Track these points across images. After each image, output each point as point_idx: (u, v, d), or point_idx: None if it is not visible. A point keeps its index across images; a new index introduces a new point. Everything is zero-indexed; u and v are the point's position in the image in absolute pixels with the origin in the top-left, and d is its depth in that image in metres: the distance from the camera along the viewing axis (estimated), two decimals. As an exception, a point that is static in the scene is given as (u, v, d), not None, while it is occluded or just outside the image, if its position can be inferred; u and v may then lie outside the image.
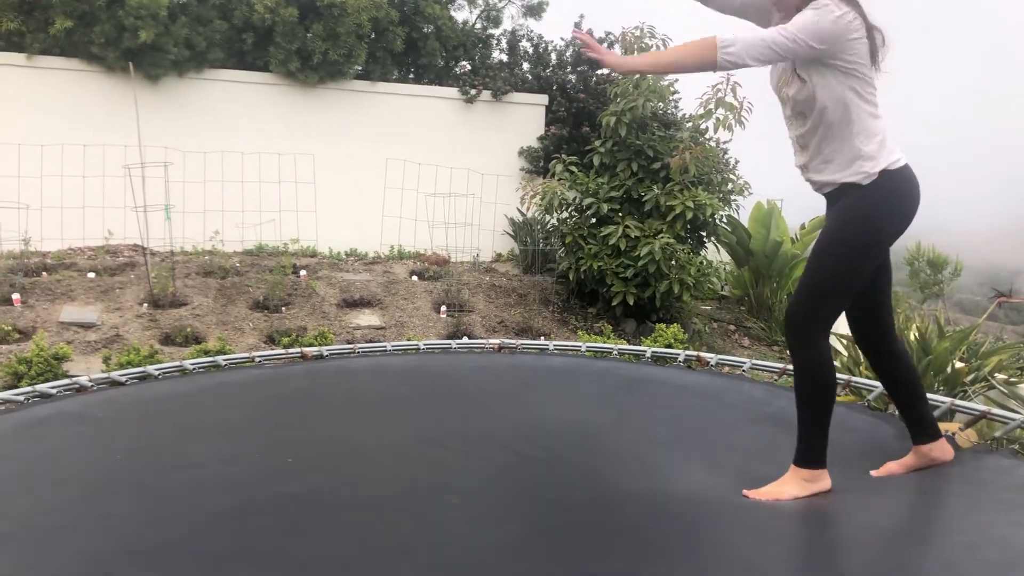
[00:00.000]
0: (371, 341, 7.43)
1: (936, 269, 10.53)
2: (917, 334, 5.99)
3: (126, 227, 8.72)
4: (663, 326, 7.79)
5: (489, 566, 2.10)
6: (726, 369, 4.33)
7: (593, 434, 3.23)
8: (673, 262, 8.39)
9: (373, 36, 10.84)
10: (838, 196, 2.64)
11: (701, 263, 9.04)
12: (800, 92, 2.59)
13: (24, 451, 2.81)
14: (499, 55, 12.46)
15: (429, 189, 10.09)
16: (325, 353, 4.31)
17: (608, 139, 8.91)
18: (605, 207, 8.70)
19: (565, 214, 9.29)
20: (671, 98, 9.38)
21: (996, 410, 3.18)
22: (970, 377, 5.77)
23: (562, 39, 12.26)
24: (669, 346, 6.88)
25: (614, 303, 8.66)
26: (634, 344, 7.03)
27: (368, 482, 2.69)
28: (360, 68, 10.85)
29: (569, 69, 12.01)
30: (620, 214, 8.71)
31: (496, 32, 12.44)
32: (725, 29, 2.45)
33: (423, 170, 10.17)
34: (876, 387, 3.62)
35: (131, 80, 8.84)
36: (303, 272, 9.07)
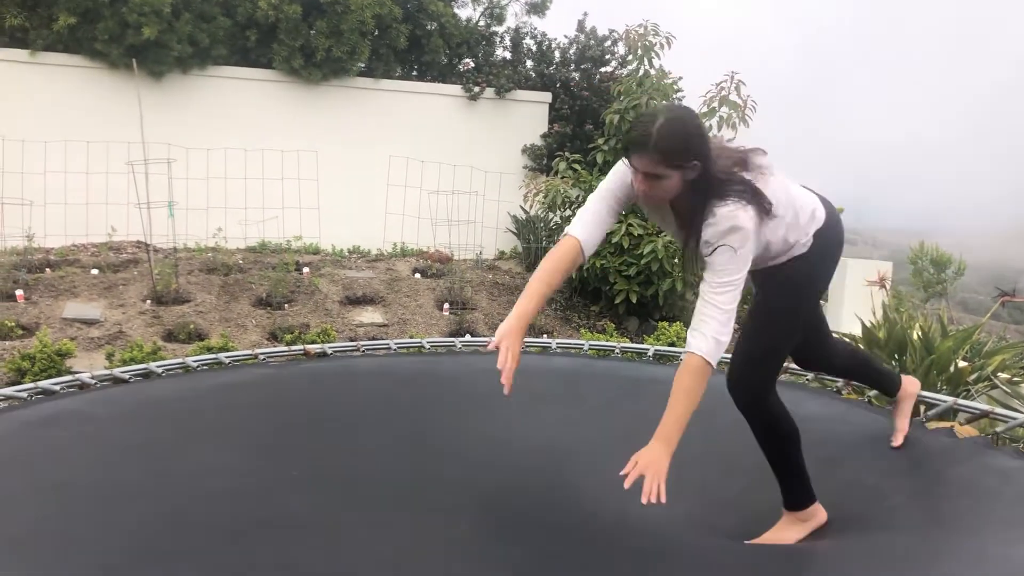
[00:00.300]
0: (374, 338, 7.44)
1: (939, 268, 10.50)
2: (920, 333, 5.97)
3: (129, 224, 8.72)
4: (666, 324, 7.79)
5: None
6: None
7: (596, 447, 3.20)
8: (676, 260, 8.38)
9: (376, 33, 10.83)
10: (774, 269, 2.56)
11: (704, 261, 9.04)
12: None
13: (26, 452, 2.80)
14: (502, 53, 12.46)
15: (432, 186, 10.09)
16: (329, 351, 4.30)
17: (611, 137, 8.90)
18: (608, 205, 8.68)
19: (568, 212, 9.29)
20: (675, 96, 9.37)
21: (999, 409, 3.18)
22: (973, 376, 5.76)
23: (565, 37, 12.26)
24: (672, 344, 6.87)
25: (617, 301, 8.66)
26: (637, 342, 7.02)
27: (369, 493, 2.69)
28: (363, 65, 10.85)
29: (572, 67, 12.00)
30: (623, 212, 8.70)
31: (500, 30, 12.43)
32: (698, 337, 2.25)
33: (426, 167, 10.17)
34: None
35: (134, 77, 8.84)
36: (306, 269, 9.07)
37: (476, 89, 11.20)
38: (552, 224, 9.98)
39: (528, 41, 12.40)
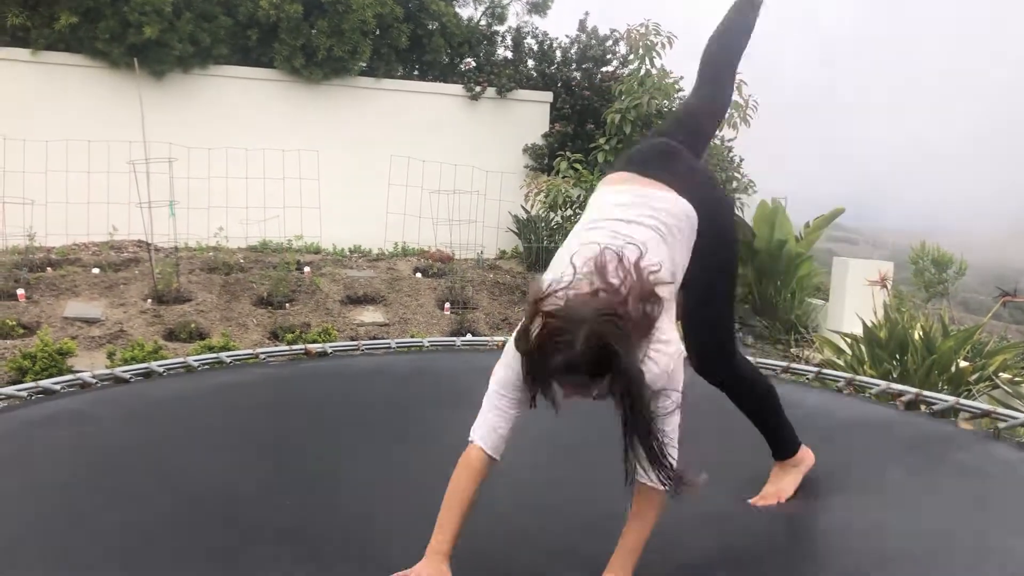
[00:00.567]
0: (375, 338, 7.44)
1: (941, 268, 10.49)
2: (921, 333, 5.97)
3: (131, 223, 8.73)
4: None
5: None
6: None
7: (597, 441, 3.21)
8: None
9: (378, 33, 10.84)
10: None
11: (705, 261, 9.04)
12: None
13: (26, 452, 2.79)
14: (504, 52, 12.46)
15: (433, 186, 10.09)
16: (329, 350, 4.30)
17: (613, 136, 8.91)
18: (609, 205, 8.68)
19: (569, 211, 9.29)
20: (676, 96, 9.38)
21: (1001, 409, 3.18)
22: (974, 376, 5.76)
23: (567, 36, 12.27)
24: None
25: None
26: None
27: (369, 498, 2.68)
28: (364, 65, 10.85)
29: (574, 66, 12.01)
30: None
31: (501, 29, 12.44)
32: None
33: (427, 167, 10.17)
34: (877, 384, 3.64)
35: (136, 76, 8.85)
36: (307, 269, 9.08)
37: (477, 88, 11.20)
38: (553, 223, 9.98)
39: (529, 40, 12.41)
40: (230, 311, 7.92)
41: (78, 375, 3.62)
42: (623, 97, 8.88)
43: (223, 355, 4.06)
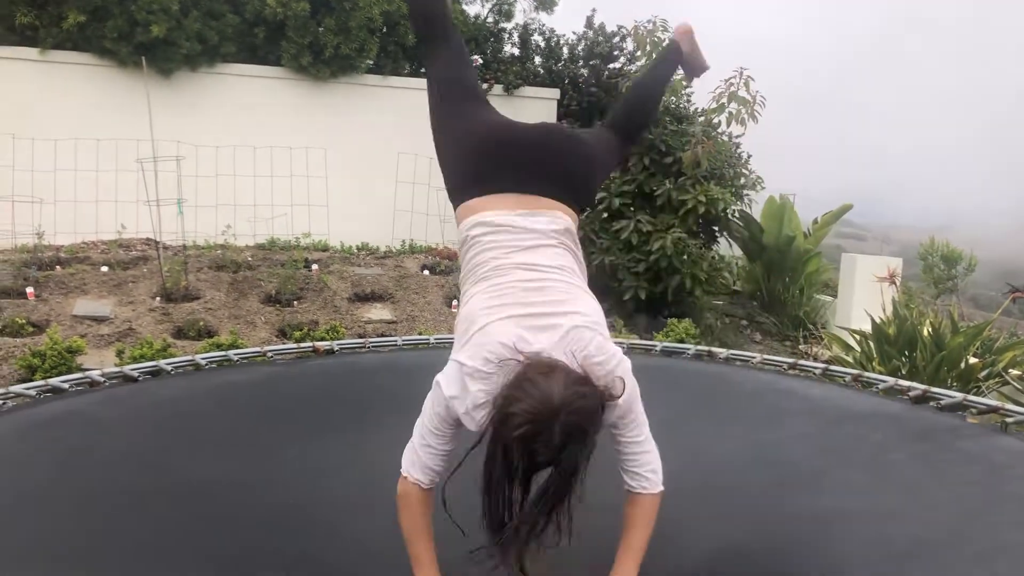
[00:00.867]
0: (382, 335, 7.44)
1: (950, 264, 10.46)
2: (931, 329, 5.96)
3: (139, 221, 8.75)
4: (675, 321, 7.78)
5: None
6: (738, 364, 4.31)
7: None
8: (685, 257, 8.37)
9: (385, 30, 10.84)
10: None
11: (713, 258, 9.03)
12: None
13: (33, 455, 2.80)
14: (511, 49, 12.45)
15: (441, 183, 10.06)
16: (337, 348, 4.31)
17: (620, 133, 8.89)
18: (617, 202, 8.68)
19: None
20: (683, 92, 9.36)
21: (1009, 405, 3.17)
22: (984, 373, 5.74)
23: (574, 33, 12.25)
24: (681, 341, 6.86)
25: (626, 298, 8.65)
26: (646, 339, 7.02)
27: (376, 494, 2.69)
28: (372, 62, 10.85)
29: (581, 63, 11.99)
30: (632, 209, 8.70)
31: (508, 26, 12.43)
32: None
33: (434, 164, 10.12)
34: (885, 380, 3.65)
35: (143, 75, 8.86)
36: (315, 266, 9.09)
37: (485, 86, 11.18)
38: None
39: (536, 37, 12.39)
40: (238, 309, 7.94)
41: (87, 373, 3.63)
42: (630, 94, 8.87)
43: (231, 353, 4.07)
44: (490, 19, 12.30)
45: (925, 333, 5.95)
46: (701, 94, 9.82)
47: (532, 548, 1.90)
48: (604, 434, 1.97)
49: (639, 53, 9.32)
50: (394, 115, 10.77)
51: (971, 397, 3.22)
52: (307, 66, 10.24)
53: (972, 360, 5.81)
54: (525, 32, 12.39)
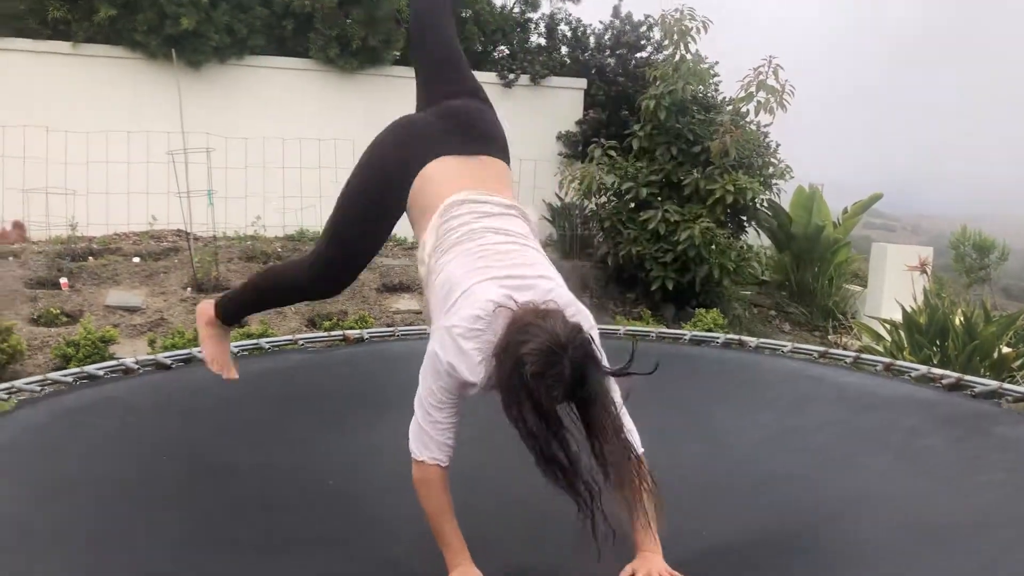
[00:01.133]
0: (410, 325, 7.48)
1: (982, 253, 10.35)
2: (962, 319, 5.90)
3: (170, 213, 8.83)
4: (703, 311, 7.75)
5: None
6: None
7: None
8: (713, 246, 8.33)
9: (411, 21, 10.84)
10: None
11: (741, 248, 8.97)
12: None
13: (70, 441, 2.84)
14: (537, 39, 12.41)
15: (467, 174, 10.09)
16: (366, 336, 4.35)
17: (647, 123, 8.85)
18: (644, 191, 8.65)
19: (604, 199, 9.26)
20: (711, 81, 9.29)
21: (1045, 394, 3.14)
22: (1017, 362, 5.68)
23: (600, 22, 12.20)
24: (710, 331, 6.83)
25: (653, 288, 8.62)
26: (674, 329, 7.00)
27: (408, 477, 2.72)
28: (398, 54, 10.87)
29: (608, 52, 11.94)
30: (659, 198, 8.66)
31: (534, 16, 12.40)
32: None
33: (461, 155, 10.17)
34: (918, 369, 3.62)
35: (173, 67, 8.94)
36: (343, 257, 9.12)
37: (511, 76, 11.18)
38: (588, 211, 9.95)
39: (563, 27, 12.35)
40: (268, 299, 7.99)
41: (121, 360, 3.68)
42: (658, 83, 8.80)
43: (262, 341, 4.11)
44: (516, 9, 12.27)
45: (957, 322, 5.89)
46: (730, 83, 9.74)
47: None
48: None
49: (666, 42, 9.26)
50: (421, 106, 10.78)
51: (1006, 385, 3.20)
52: (335, 58, 10.28)
53: (1005, 350, 5.75)
54: (552, 22, 12.35)
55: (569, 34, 12.30)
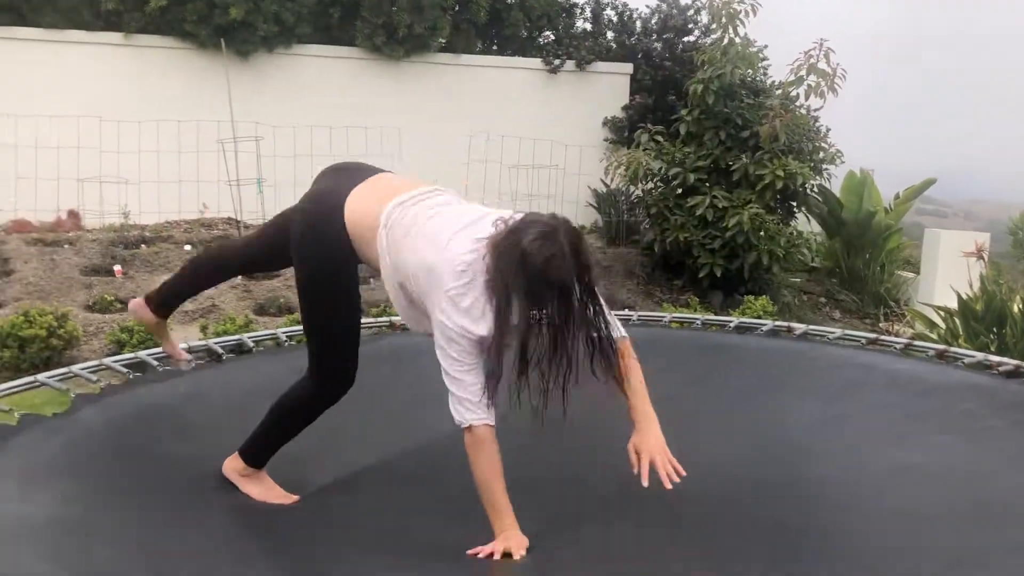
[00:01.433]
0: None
1: (1041, 239, 10.08)
2: (1021, 305, 5.76)
3: (220, 201, 8.96)
4: (751, 298, 7.67)
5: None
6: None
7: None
8: (762, 233, 8.22)
9: (457, 8, 10.85)
10: None
11: (791, 234, 8.84)
12: None
13: (124, 424, 2.88)
14: (583, 24, 12.33)
15: (512, 161, 10.09)
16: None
17: (695, 108, 8.75)
18: (692, 177, 8.56)
19: (650, 185, 9.19)
20: (760, 65, 9.16)
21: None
22: (1078, 350, 5.53)
23: (647, 7, 12.08)
24: (758, 318, 6.76)
25: (701, 275, 8.54)
26: (721, 316, 6.94)
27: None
28: (444, 41, 10.87)
29: (654, 37, 11.82)
30: (707, 184, 8.57)
31: (580, 1, 12.30)
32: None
33: (506, 142, 10.17)
34: (973, 356, 3.55)
35: (223, 56, 9.05)
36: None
37: (556, 62, 11.13)
38: (634, 197, 9.89)
39: (609, 12, 12.24)
40: (315, 286, 8.07)
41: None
42: (706, 67, 8.69)
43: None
44: (562, -6, 12.19)
45: (1015, 309, 5.75)
46: (779, 66, 9.57)
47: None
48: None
49: (714, 26, 9.13)
50: (466, 93, 10.79)
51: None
52: (381, 46, 10.31)
53: (1065, 336, 5.61)
54: (597, 7, 12.24)
55: (615, 19, 12.20)
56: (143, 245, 8.63)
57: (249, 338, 3.91)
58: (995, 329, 5.79)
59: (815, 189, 9.39)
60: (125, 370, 3.41)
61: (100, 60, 9.67)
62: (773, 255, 8.30)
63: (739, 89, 8.72)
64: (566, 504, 2.46)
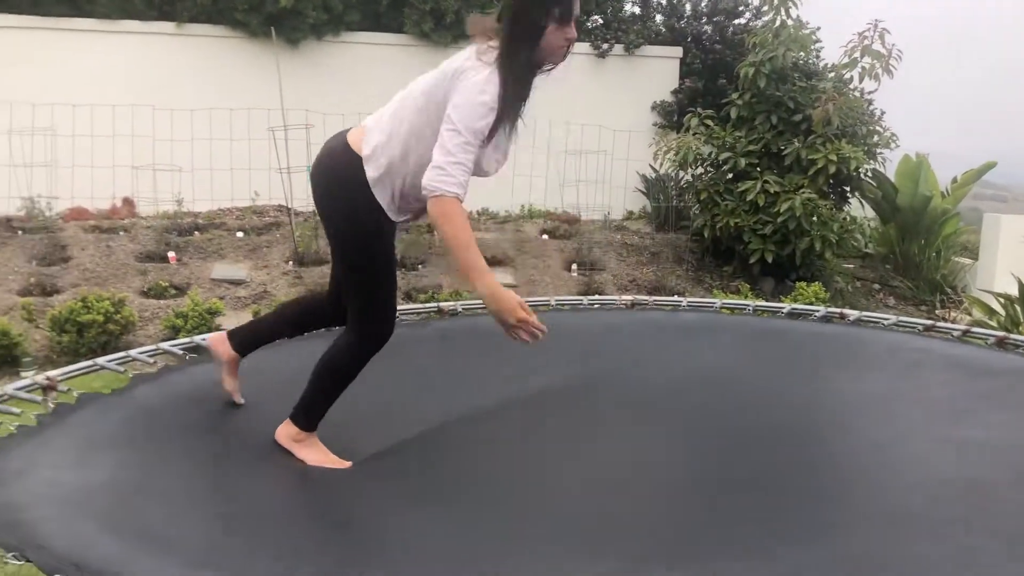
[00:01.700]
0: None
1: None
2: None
3: (271, 188, 9.05)
4: (803, 285, 7.57)
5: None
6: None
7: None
8: (815, 218, 8.09)
9: (505, -7, 10.80)
10: None
11: (844, 219, 8.69)
12: None
13: (181, 405, 2.93)
14: (631, 8, 12.21)
15: (560, 147, 10.04)
16: (460, 309, 4.38)
17: (746, 91, 8.63)
18: (743, 162, 8.45)
19: (700, 169, 9.09)
20: (813, 47, 9.00)
21: None
22: None
23: (697, -11, 11.91)
24: (810, 304, 6.66)
25: (751, 261, 8.44)
26: (772, 303, 6.85)
27: (502, 442, 2.75)
28: (492, 26, 10.85)
29: (704, 20, 11.68)
30: (758, 169, 8.45)
31: (629, -16, 12.20)
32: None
33: (553, 127, 10.12)
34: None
35: (273, 45, 9.13)
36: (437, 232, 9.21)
37: (604, 46, 11.05)
38: (683, 182, 9.79)
39: (658, -5, 12.12)
40: (364, 272, 8.14)
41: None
42: (757, 50, 8.56)
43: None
44: (611, -22, 12.09)
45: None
46: (833, 49, 9.40)
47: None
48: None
49: (766, 8, 8.99)
50: (514, 79, 10.75)
51: None
52: (429, 33, 10.32)
53: None
54: (646, -10, 12.13)
55: (664, 2, 12.07)
56: (196, 232, 8.76)
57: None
58: (1057, 316, 5.65)
59: (869, 174, 9.22)
60: (181, 352, 3.47)
61: (153, 49, 9.83)
62: (826, 241, 8.17)
63: (791, 72, 8.58)
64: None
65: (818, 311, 4.26)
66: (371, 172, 2.57)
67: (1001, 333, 3.71)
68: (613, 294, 7.93)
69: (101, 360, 3.23)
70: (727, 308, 4.53)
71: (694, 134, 8.80)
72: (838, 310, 4.25)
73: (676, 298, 5.69)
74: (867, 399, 3.04)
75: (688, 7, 11.86)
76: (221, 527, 2.12)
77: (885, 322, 3.99)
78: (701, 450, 2.71)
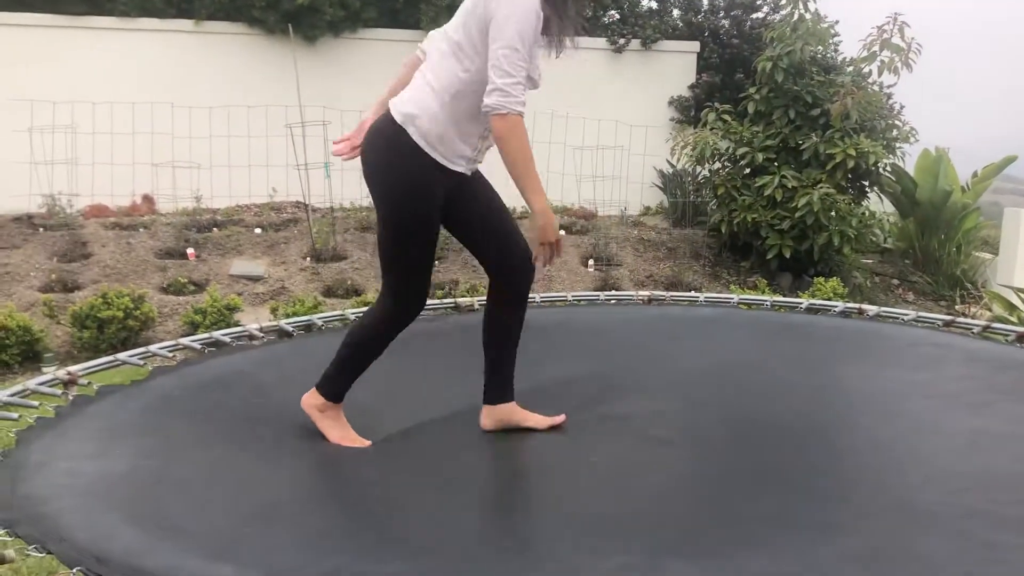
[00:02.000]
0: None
1: None
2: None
3: (288, 185, 9.09)
4: (821, 280, 7.53)
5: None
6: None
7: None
8: (833, 213, 8.05)
9: (521, -11, 10.78)
10: None
11: (863, 214, 8.64)
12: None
13: (202, 398, 2.96)
14: (648, 3, 12.17)
15: (576, 142, 10.03)
16: (477, 305, 4.39)
17: (764, 86, 8.59)
18: (760, 157, 8.41)
19: (717, 165, 9.06)
20: (831, 41, 8.94)
21: None
22: None
23: (715, -17, 11.86)
24: (828, 300, 6.63)
25: (769, 256, 8.41)
26: (790, 298, 6.82)
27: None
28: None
29: (722, 14, 11.62)
30: (776, 164, 8.41)
31: (645, -21, 12.16)
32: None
33: (570, 123, 10.12)
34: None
35: (290, 42, 9.17)
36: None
37: (621, 41, 11.02)
38: (700, 177, 9.76)
39: (675, -10, 12.08)
40: (382, 268, 8.16)
41: (246, 328, 3.83)
42: (775, 44, 8.52)
43: (376, 308, 4.19)
44: (627, -27, 12.05)
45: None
46: (851, 42, 9.33)
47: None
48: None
49: (783, 2, 8.94)
50: (531, 74, 10.74)
51: None
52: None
53: None
54: (663, -16, 12.09)
55: (681, -4, 12.03)
56: (215, 228, 8.81)
57: (319, 319, 3.97)
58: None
59: (888, 168, 9.16)
60: (200, 347, 3.50)
61: (171, 47, 9.89)
62: (844, 236, 8.12)
63: (809, 66, 8.53)
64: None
65: (836, 307, 4.24)
66: (418, 130, 2.63)
67: (1022, 329, 3.68)
68: (630, 290, 7.92)
69: (122, 355, 3.27)
70: (744, 304, 4.52)
71: (711, 129, 8.77)
72: (857, 306, 4.24)
73: (693, 294, 5.68)
74: (886, 394, 3.05)
75: (705, 2, 11.81)
76: (241, 518, 2.14)
77: (904, 318, 3.97)
78: (719, 445, 2.71)
